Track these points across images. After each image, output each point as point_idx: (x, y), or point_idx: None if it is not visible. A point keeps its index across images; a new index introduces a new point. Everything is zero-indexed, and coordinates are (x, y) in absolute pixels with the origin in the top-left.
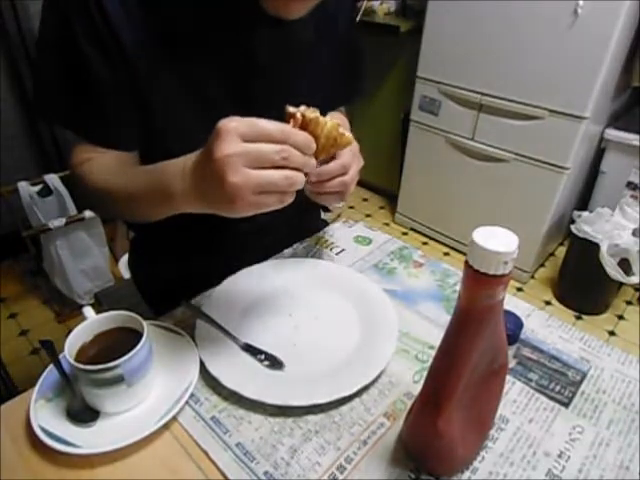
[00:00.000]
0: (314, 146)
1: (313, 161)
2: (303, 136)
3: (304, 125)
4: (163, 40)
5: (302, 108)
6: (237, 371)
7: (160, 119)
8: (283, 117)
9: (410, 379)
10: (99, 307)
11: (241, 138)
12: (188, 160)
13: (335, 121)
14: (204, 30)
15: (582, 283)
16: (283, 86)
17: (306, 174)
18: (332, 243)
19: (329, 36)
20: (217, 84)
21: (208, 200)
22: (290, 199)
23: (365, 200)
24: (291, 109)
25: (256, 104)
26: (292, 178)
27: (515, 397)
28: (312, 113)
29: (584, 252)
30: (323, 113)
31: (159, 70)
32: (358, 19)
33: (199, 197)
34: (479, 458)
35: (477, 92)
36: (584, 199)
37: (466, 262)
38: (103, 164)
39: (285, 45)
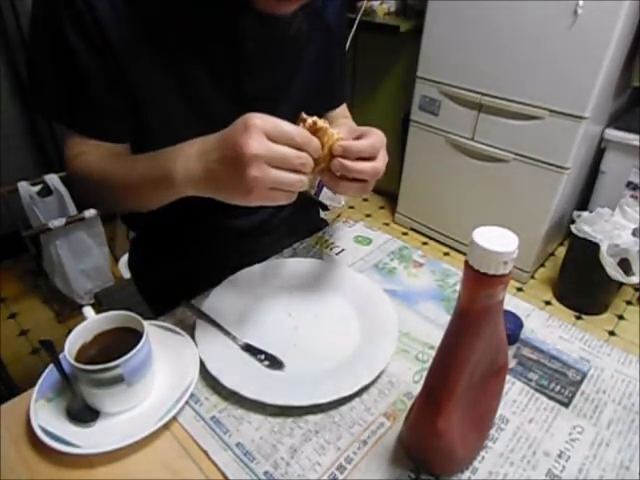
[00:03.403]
0: (320, 153)
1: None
2: (316, 143)
3: (312, 132)
4: (151, 38)
5: (315, 117)
6: (237, 371)
7: (149, 116)
8: (274, 113)
9: (410, 379)
10: (99, 307)
11: (266, 136)
12: (195, 144)
13: (340, 135)
14: (191, 26)
15: (582, 283)
16: (273, 82)
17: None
18: (332, 243)
19: (319, 30)
20: (206, 80)
21: (220, 185)
22: (295, 197)
23: (365, 200)
24: (304, 115)
25: (246, 100)
26: (303, 181)
27: (515, 397)
28: (324, 123)
29: (584, 252)
30: (319, 113)
31: (147, 67)
32: (358, 19)
33: (209, 180)
34: (479, 458)
35: (477, 92)
36: (584, 199)
37: (466, 262)
38: (99, 155)
39: (274, 39)
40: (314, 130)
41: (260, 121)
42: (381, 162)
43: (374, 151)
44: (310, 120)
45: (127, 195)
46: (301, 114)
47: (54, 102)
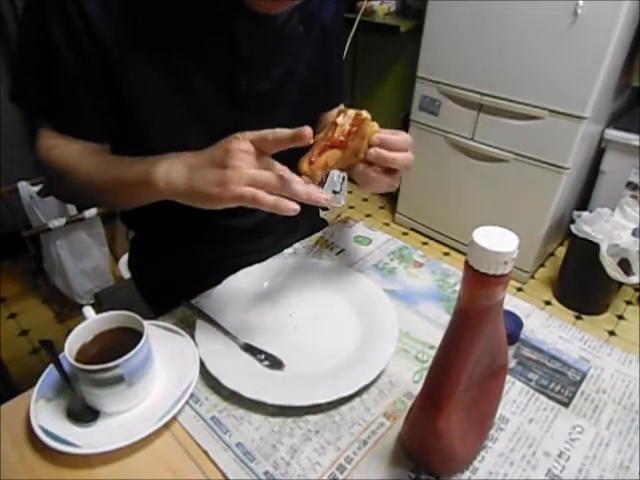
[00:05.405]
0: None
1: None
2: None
3: (356, 123)
4: (145, 38)
5: (355, 110)
6: (237, 371)
7: (144, 116)
8: (271, 112)
9: (410, 379)
10: (99, 307)
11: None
12: (187, 153)
13: (377, 127)
14: (186, 25)
15: (582, 283)
16: (269, 81)
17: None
18: (332, 243)
19: (316, 30)
20: (201, 80)
21: (198, 179)
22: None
23: (365, 200)
24: (342, 107)
25: (242, 99)
26: (280, 201)
27: (515, 397)
28: (367, 114)
29: (584, 252)
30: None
31: (142, 68)
32: (358, 19)
33: (187, 175)
34: (479, 458)
35: (477, 92)
36: (584, 199)
37: (466, 262)
38: (76, 150)
39: (270, 38)
40: (359, 121)
41: (248, 135)
42: (412, 155)
43: (407, 146)
44: (352, 112)
45: (103, 192)
46: (341, 106)
47: (36, 98)
